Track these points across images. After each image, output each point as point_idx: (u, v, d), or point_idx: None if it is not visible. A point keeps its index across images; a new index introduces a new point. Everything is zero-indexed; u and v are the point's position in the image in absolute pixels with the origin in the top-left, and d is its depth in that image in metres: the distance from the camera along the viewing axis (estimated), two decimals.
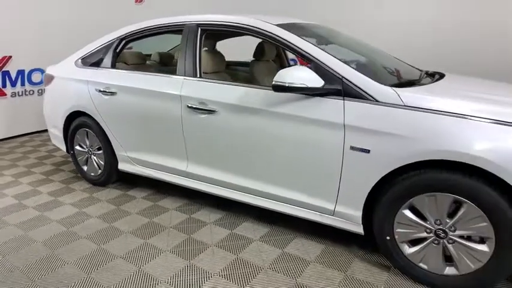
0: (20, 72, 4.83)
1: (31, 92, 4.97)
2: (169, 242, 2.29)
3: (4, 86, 4.70)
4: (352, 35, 2.91)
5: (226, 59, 2.93)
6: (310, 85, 1.86)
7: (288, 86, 1.86)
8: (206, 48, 3.95)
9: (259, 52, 2.99)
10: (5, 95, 4.72)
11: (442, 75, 2.42)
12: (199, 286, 1.88)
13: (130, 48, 3.85)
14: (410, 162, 1.70)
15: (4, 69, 4.66)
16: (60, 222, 2.57)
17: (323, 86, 1.88)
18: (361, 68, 2.03)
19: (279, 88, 1.89)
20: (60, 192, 3.08)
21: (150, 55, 3.72)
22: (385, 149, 1.76)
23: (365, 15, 4.63)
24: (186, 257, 2.13)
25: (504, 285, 1.82)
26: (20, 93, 4.87)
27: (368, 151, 1.80)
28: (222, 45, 3.71)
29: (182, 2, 5.60)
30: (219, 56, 2.83)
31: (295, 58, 4.88)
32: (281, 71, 1.90)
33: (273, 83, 1.89)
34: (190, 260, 2.10)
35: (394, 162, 1.74)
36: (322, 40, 2.73)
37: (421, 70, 2.67)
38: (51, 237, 2.37)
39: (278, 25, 2.21)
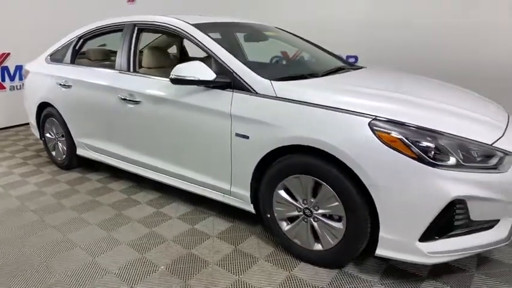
0: (18, 68, 5.31)
1: None
2: (100, 217, 2.60)
3: (3, 80, 5.21)
4: (286, 32, 3.12)
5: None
6: (201, 78, 2.09)
7: (181, 79, 2.11)
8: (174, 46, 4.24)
9: None
10: (4, 88, 5.23)
11: (357, 68, 2.61)
12: (108, 251, 2.17)
13: (104, 45, 4.21)
14: (276, 147, 1.90)
15: (3, 64, 5.17)
16: (18, 198, 2.94)
17: (214, 78, 2.11)
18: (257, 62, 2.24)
19: (175, 81, 2.14)
20: (30, 174, 3.47)
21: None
22: (259, 136, 1.97)
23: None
24: (107, 229, 2.43)
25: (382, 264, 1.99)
26: (18, 87, 5.36)
27: (247, 137, 2.02)
28: None
29: (173, 1, 5.93)
30: (161, 52, 3.09)
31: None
32: (178, 65, 2.14)
33: (170, 76, 2.14)
34: (110, 231, 2.40)
35: (266, 147, 1.95)
36: (252, 37, 2.98)
37: (345, 64, 2.84)
38: (5, 210, 2.74)
39: (194, 24, 2.45)
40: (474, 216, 1.65)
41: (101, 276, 1.95)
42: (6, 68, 5.21)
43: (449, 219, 1.63)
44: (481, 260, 2.02)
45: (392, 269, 1.95)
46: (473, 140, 1.63)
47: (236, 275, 1.93)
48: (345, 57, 6.19)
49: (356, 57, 6.03)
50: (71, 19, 5.50)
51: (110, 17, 3.33)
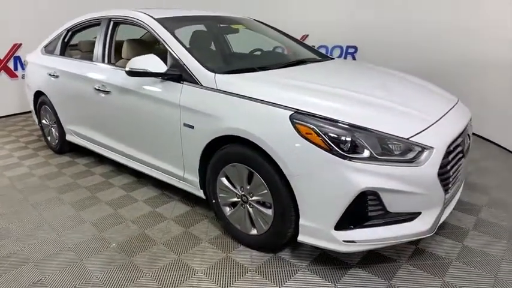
0: None
1: None
2: (75, 197, 2.83)
3: (16, 69, 5.59)
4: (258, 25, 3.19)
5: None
6: (152, 70, 2.22)
7: (135, 71, 2.25)
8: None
9: (194, 41, 3.33)
10: (17, 76, 5.62)
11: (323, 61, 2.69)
12: (72, 228, 2.39)
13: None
14: (215, 137, 2.02)
15: (16, 54, 5.54)
16: (9, 178, 3.23)
17: (166, 71, 2.24)
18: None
19: (130, 73, 2.28)
20: (26, 157, 3.77)
21: None
22: (202, 126, 2.09)
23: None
24: (78, 208, 2.65)
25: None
26: None
27: (192, 127, 2.14)
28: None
29: None
30: (140, 44, 3.23)
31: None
32: (134, 58, 2.28)
33: (126, 68, 2.28)
34: (79, 211, 2.62)
35: (207, 137, 2.07)
36: (225, 30, 3.09)
37: (317, 55, 2.89)
38: None
39: (157, 19, 2.57)
40: (391, 208, 1.70)
41: (58, 250, 2.16)
42: (18, 58, 5.58)
43: (363, 210, 1.69)
44: (416, 251, 2.06)
45: (325, 256, 2.04)
46: (389, 134, 1.67)
47: (177, 255, 2.08)
48: (345, 47, 6.15)
49: (356, 47, 5.99)
50: (79, 10, 5.76)
51: (115, 9, 3.53)
